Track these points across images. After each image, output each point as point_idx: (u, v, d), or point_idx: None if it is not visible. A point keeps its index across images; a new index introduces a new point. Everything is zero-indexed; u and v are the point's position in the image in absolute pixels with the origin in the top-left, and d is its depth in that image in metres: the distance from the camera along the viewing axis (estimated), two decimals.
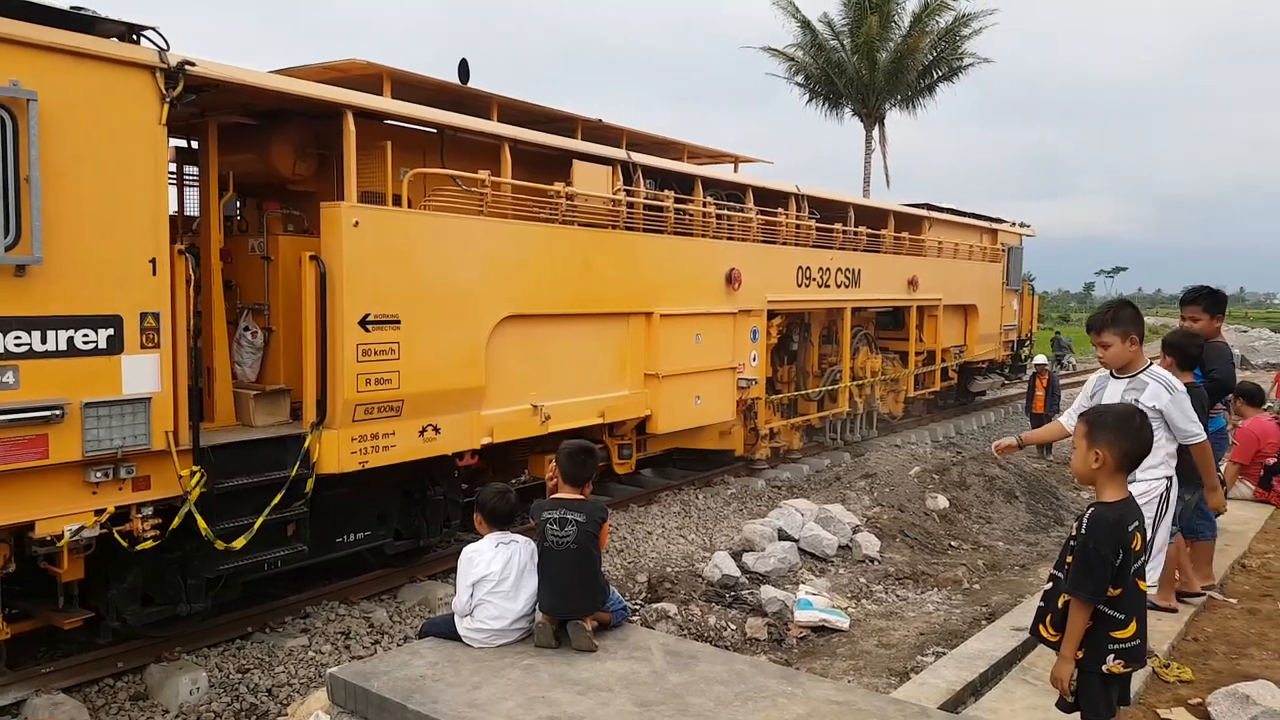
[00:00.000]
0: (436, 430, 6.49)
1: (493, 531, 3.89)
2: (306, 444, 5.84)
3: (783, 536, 7.86)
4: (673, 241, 8.83)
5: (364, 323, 5.98)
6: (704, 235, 9.33)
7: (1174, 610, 5.14)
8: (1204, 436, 4.52)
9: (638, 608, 6.42)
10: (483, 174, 6.87)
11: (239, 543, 5.51)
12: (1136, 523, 2.91)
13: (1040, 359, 15.47)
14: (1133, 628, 2.86)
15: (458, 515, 7.24)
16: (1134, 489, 3.20)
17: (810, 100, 31.12)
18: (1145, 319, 4.60)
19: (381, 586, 7.09)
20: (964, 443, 15.25)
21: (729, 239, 9.74)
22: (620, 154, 8.28)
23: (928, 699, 4.16)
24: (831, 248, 11.66)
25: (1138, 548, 2.87)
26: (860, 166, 30.59)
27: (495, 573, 3.73)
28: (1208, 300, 5.85)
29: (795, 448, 12.14)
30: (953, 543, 8.82)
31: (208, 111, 6.29)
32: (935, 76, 30.47)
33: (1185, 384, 5.05)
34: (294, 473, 5.78)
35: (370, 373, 6.01)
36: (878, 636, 6.16)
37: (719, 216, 9.56)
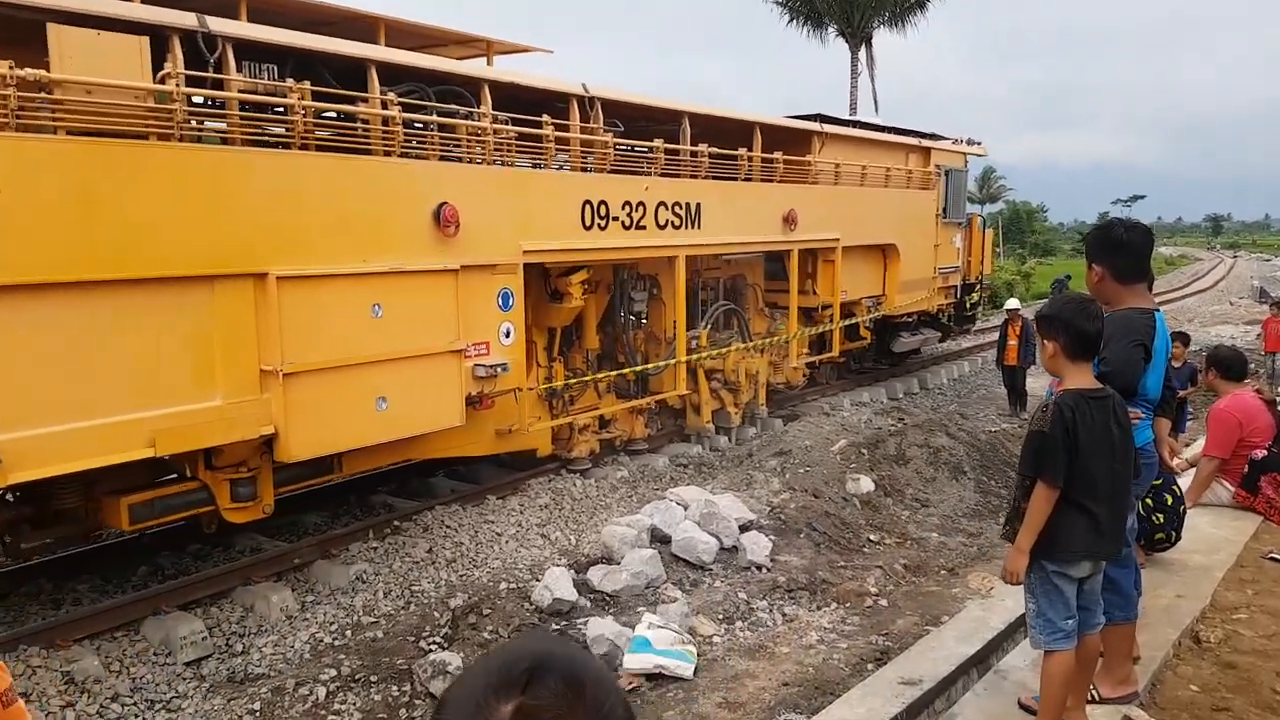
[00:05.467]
0: None
1: None
2: None
3: (657, 537, 6.79)
4: (313, 162, 5.80)
5: None
6: (390, 153, 6.33)
7: None
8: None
9: (402, 665, 5.11)
10: None
11: None
12: None
13: (1013, 303, 12.89)
14: None
15: None
16: None
17: (791, 20, 28.89)
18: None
19: (111, 621, 5.60)
20: (915, 403, 13.24)
21: (441, 158, 6.73)
22: (173, 16, 5.20)
23: None
24: (648, 173, 8.65)
25: None
26: (846, 93, 28.19)
27: None
28: (1111, 257, 3.69)
29: (638, 436, 9.33)
30: (873, 536, 7.78)
31: None
32: None
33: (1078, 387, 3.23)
34: None
35: None
36: (726, 690, 5.05)
37: (413, 124, 6.53)
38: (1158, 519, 4.94)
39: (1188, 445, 8.10)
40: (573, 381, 8.44)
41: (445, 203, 6.52)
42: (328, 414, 5.83)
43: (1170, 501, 4.96)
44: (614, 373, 8.85)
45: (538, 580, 6.09)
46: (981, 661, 4.55)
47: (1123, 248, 3.63)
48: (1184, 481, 5.69)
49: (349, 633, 5.67)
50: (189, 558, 6.79)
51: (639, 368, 9.07)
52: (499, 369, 7.06)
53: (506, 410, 7.40)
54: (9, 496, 5.53)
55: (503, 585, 6.00)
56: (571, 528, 7.49)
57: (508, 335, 7.27)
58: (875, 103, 29.34)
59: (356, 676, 5.08)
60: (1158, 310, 3.72)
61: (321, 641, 5.59)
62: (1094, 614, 3.46)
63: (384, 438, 6.30)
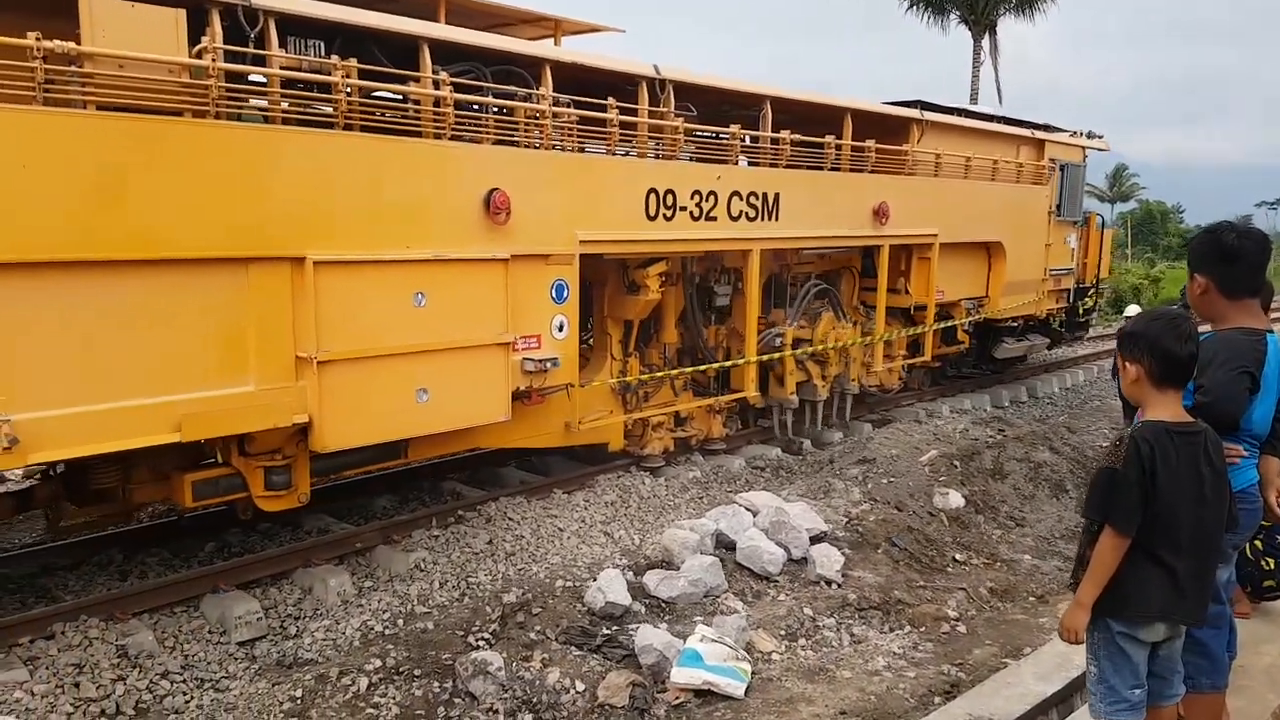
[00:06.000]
0: None
1: None
2: None
3: (722, 543, 6.48)
4: (356, 143, 5.55)
5: None
6: (439, 135, 6.02)
7: None
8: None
9: (448, 660, 4.98)
10: None
11: None
12: None
13: (1133, 309, 11.89)
14: None
15: None
16: None
17: (911, 7, 27.93)
18: None
19: (172, 596, 5.63)
20: (1021, 413, 12.39)
21: (496, 143, 6.39)
22: None
23: None
24: (723, 160, 8.10)
25: None
26: (967, 82, 27.21)
27: None
28: (1218, 267, 3.22)
29: (715, 436, 8.93)
30: (958, 555, 7.32)
31: None
32: None
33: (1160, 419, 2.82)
34: None
35: None
36: (777, 714, 4.73)
37: (465, 106, 6.22)
38: (1268, 564, 4.38)
39: None
40: (646, 377, 8.05)
41: (496, 189, 6.19)
42: (364, 404, 5.60)
43: None
44: (688, 369, 8.44)
45: (593, 579, 5.80)
46: (1062, 702, 4.18)
47: (1233, 256, 3.16)
48: None
49: (400, 622, 5.57)
50: (257, 536, 6.80)
51: (710, 365, 8.61)
52: (549, 364, 6.71)
53: (560, 407, 7.07)
54: (50, 472, 5.54)
55: (559, 583, 5.82)
56: (636, 527, 7.23)
57: (561, 329, 6.90)
58: (999, 93, 28.11)
59: (400, 669, 4.96)
60: (1270, 331, 3.19)
61: (372, 630, 5.51)
62: (1170, 684, 2.96)
63: (424, 430, 6.04)
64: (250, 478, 5.59)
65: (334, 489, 7.47)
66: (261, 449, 5.54)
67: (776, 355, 8.97)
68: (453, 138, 6.08)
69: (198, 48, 4.94)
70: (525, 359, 6.62)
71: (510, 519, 6.96)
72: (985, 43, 28.36)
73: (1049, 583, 6.91)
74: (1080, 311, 14.07)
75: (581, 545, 6.75)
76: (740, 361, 8.64)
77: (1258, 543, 4.28)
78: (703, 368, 8.54)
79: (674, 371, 8.34)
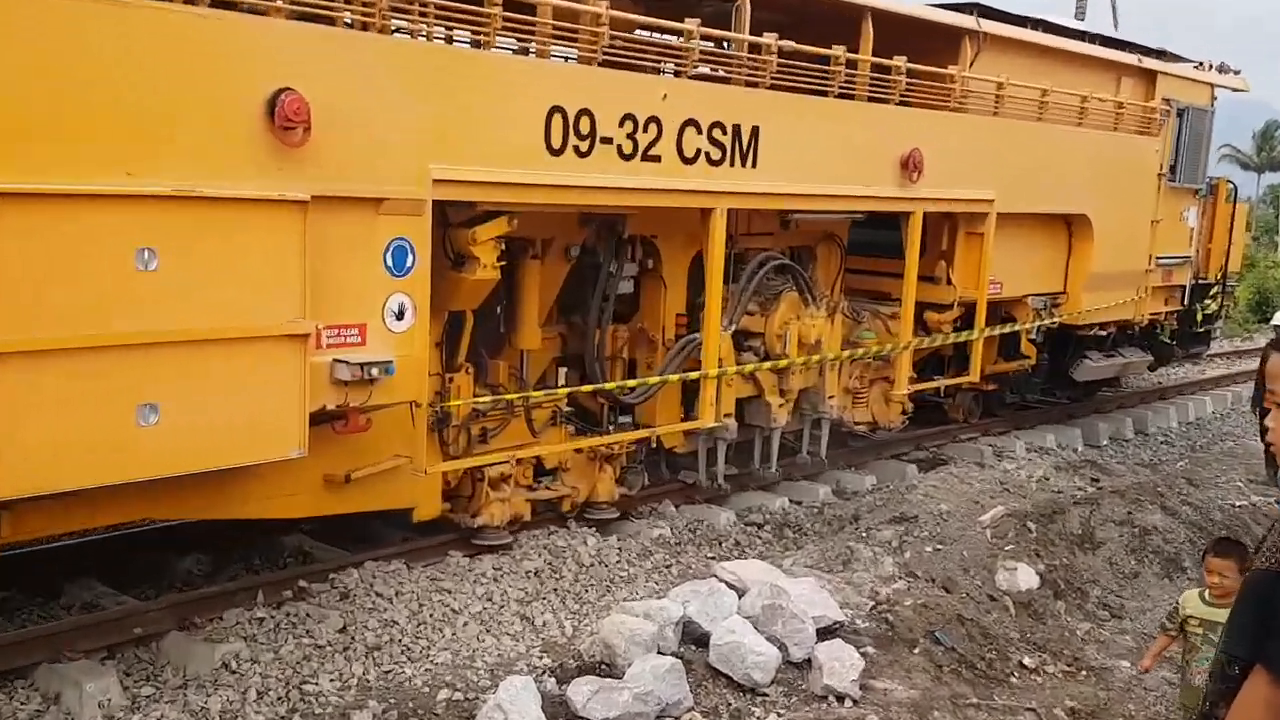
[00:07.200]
0: None
1: None
2: None
3: (690, 637, 6.23)
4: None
5: None
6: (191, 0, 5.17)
7: None
8: None
9: None
10: None
11: None
12: None
13: None
14: None
15: None
16: None
17: None
18: None
19: None
20: (1124, 455, 12.56)
21: (293, 18, 5.54)
22: None
23: None
24: (674, 73, 7.55)
25: None
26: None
27: None
28: None
29: (600, 497, 8.05)
30: (1028, 660, 7.18)
31: None
32: None
33: None
34: None
35: None
36: None
37: None
38: None
39: None
40: (484, 401, 7.17)
41: (288, 89, 5.33)
42: (41, 428, 4.69)
43: None
44: (557, 390, 7.65)
45: (495, 687, 5.39)
46: None
47: None
48: None
49: None
50: None
51: (597, 386, 7.79)
52: (379, 369, 5.88)
53: (389, 437, 6.24)
54: None
55: (442, 694, 5.52)
56: (570, 609, 6.99)
57: (401, 316, 6.16)
58: (1114, 17, 27.93)
59: None
60: None
61: None
62: None
63: (153, 472, 5.14)
64: None
65: (113, 540, 6.96)
66: None
67: (712, 374, 8.15)
68: (218, 4, 5.28)
69: None
70: (338, 361, 5.80)
71: (379, 595, 6.59)
72: None
73: (1156, 703, 6.78)
74: (1200, 318, 13.86)
75: (485, 635, 6.45)
76: (659, 380, 7.88)
77: None
78: (599, 387, 7.76)
79: (561, 392, 7.54)
